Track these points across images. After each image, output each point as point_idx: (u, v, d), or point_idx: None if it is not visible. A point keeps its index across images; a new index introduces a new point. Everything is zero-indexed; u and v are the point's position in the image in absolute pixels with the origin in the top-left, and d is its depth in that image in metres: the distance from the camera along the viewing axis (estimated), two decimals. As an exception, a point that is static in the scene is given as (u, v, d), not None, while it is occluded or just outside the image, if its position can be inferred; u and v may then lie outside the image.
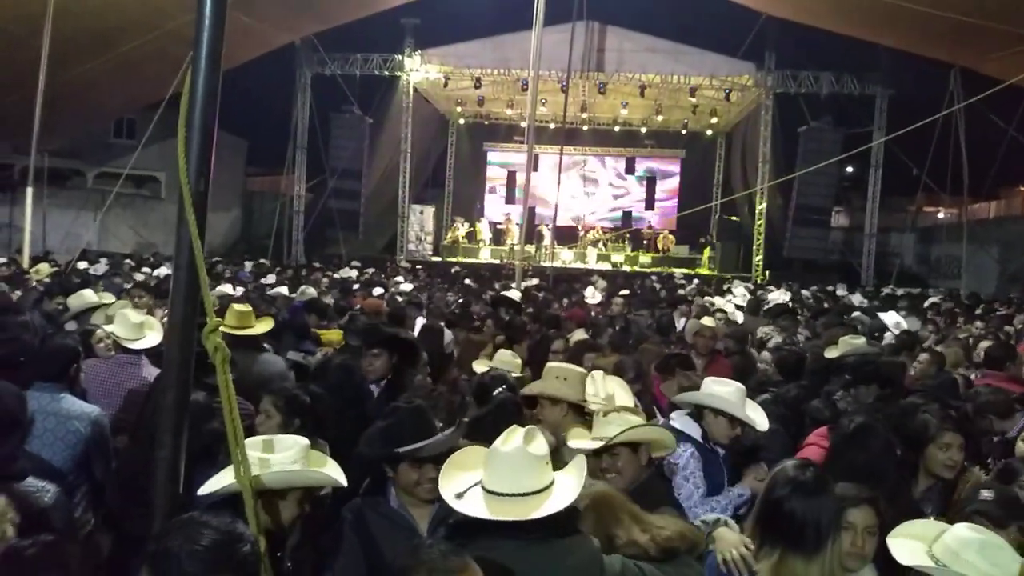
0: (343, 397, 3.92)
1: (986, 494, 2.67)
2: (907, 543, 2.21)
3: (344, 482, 2.32)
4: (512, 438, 2.09)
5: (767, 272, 22.24)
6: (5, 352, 3.69)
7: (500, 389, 3.74)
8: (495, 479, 2.02)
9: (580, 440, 2.94)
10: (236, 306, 4.95)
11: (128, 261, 14.87)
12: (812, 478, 2.36)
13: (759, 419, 3.40)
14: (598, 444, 2.82)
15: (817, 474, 2.41)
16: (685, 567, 2.25)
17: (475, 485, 2.07)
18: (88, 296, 5.63)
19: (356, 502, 2.60)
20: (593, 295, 11.66)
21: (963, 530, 2.14)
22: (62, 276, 9.89)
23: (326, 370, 4.47)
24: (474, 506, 2.00)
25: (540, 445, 2.09)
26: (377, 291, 10.63)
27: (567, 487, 2.08)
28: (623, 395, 3.59)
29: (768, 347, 6.65)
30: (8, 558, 2.01)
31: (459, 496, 2.05)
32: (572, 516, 2.14)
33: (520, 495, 2.00)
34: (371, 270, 16.68)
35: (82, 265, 12.40)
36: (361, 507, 2.56)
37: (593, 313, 9.56)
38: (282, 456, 2.20)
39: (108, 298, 5.73)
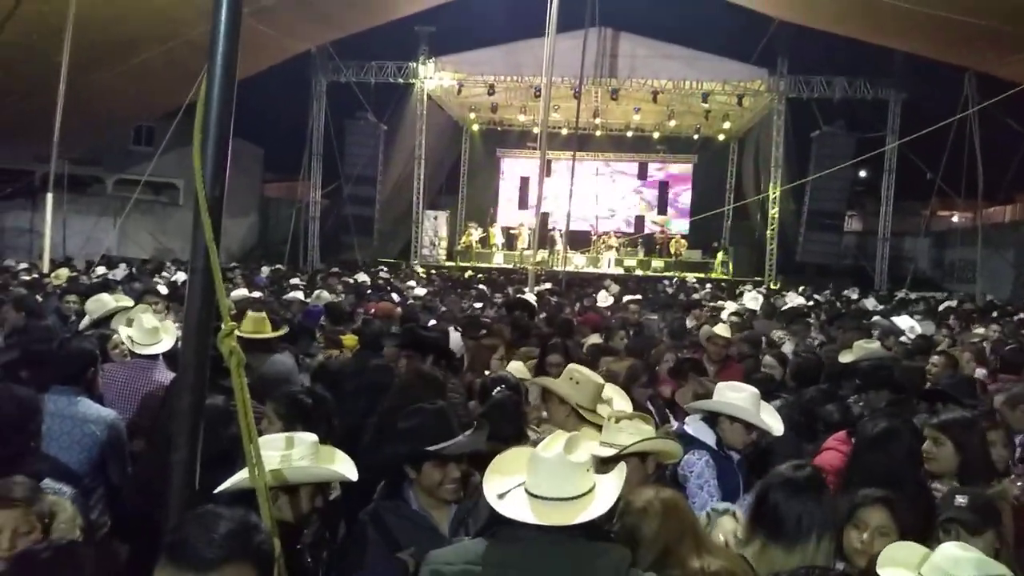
0: (369, 400, 3.91)
1: (960, 500, 2.59)
2: (894, 572, 2.11)
3: (355, 476, 2.34)
4: (554, 444, 2.10)
5: (780, 276, 22.12)
6: (37, 353, 3.75)
7: (499, 388, 3.75)
8: (538, 483, 2.04)
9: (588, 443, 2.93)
10: (251, 313, 4.99)
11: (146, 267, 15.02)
12: (803, 477, 2.42)
13: (774, 424, 3.37)
14: (607, 450, 2.79)
15: (811, 475, 2.45)
16: None
17: (517, 487, 2.08)
18: (106, 300, 5.56)
19: (372, 506, 2.60)
20: (605, 299, 11.65)
21: (953, 549, 2.06)
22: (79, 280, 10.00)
23: (341, 373, 4.47)
24: (517, 508, 2.01)
25: (582, 453, 2.11)
26: (395, 298, 10.66)
27: (608, 491, 2.09)
28: (620, 402, 3.59)
29: (779, 350, 6.62)
30: (24, 561, 2.02)
31: (501, 496, 2.07)
32: (606, 522, 2.13)
33: (563, 499, 2.00)
34: (385, 275, 16.71)
35: (101, 270, 12.55)
36: (379, 511, 2.56)
37: (608, 313, 9.54)
38: (297, 452, 2.24)
39: (126, 301, 5.69)
